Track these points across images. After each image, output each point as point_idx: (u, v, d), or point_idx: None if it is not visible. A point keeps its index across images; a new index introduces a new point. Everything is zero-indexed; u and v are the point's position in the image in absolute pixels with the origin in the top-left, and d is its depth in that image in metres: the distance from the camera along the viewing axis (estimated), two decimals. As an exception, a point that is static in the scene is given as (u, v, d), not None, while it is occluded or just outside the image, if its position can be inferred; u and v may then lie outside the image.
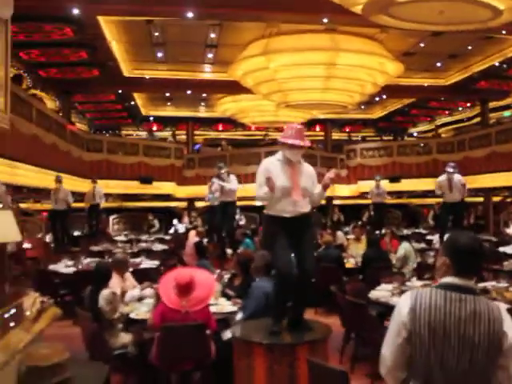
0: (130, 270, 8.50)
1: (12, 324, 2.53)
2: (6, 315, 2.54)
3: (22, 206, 15.46)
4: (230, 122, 24.76)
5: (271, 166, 4.31)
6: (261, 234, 11.03)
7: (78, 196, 14.23)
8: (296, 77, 13.77)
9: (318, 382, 3.23)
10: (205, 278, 4.90)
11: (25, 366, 2.52)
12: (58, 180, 12.31)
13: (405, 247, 9.32)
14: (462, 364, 2.19)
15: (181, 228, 19.00)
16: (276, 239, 4.22)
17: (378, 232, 13.14)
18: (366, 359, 5.69)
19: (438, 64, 16.38)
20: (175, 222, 19.54)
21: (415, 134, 28.87)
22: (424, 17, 9.54)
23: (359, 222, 17.04)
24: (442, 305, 2.23)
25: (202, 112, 23.74)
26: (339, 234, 13.05)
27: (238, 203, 11.68)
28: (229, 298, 5.85)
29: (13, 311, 2.66)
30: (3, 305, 2.58)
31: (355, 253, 10.15)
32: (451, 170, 10.17)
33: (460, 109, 23.96)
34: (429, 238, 13.42)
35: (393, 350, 2.33)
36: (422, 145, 20.51)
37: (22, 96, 11.89)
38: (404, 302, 2.33)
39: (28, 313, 2.72)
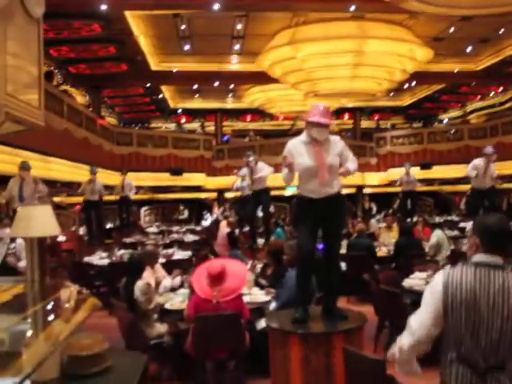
0: (163, 261, 8.67)
1: (53, 315, 2.59)
2: (48, 307, 2.60)
3: (56, 199, 15.73)
4: (258, 113, 24.74)
5: (293, 147, 4.27)
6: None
7: (109, 189, 14.42)
8: (324, 66, 13.68)
9: (354, 370, 3.22)
10: (237, 269, 4.93)
11: (66, 355, 2.59)
12: (93, 172, 12.45)
13: (437, 235, 9.20)
14: (492, 334, 2.35)
15: (211, 219, 19.16)
16: (301, 219, 4.20)
17: (409, 220, 13.01)
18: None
19: (469, 49, 16.05)
20: (205, 213, 19.71)
21: (445, 121, 28.40)
22: (454, 1, 9.35)
23: (390, 211, 16.93)
24: (472, 280, 2.40)
25: (230, 103, 23.76)
26: (373, 222, 12.98)
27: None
28: (262, 287, 5.89)
29: (53, 303, 2.73)
30: (44, 296, 2.65)
31: (387, 241, 10.09)
32: (490, 151, 10.03)
33: (492, 94, 23.46)
34: (461, 225, 13.23)
35: (424, 323, 2.50)
36: (453, 131, 20.19)
37: (54, 92, 12.09)
38: (438, 278, 2.51)
39: (68, 304, 2.78)
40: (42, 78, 3.54)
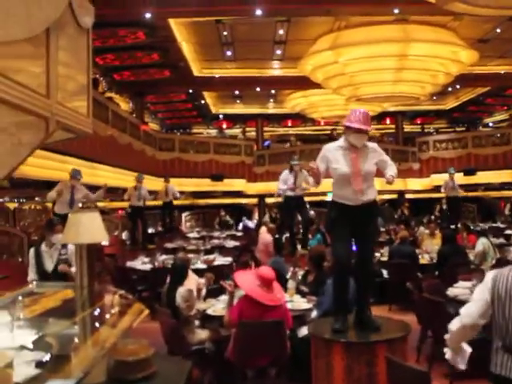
0: (204, 266, 8.74)
1: (101, 320, 2.65)
2: (96, 312, 2.66)
3: (99, 204, 16.06)
4: (299, 118, 24.70)
5: (329, 151, 4.20)
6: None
7: (152, 194, 14.61)
8: (366, 70, 13.58)
9: (397, 381, 3.18)
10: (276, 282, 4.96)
11: (113, 360, 2.63)
12: (140, 179, 12.60)
13: (483, 242, 8.97)
14: None
15: (251, 224, 19.18)
16: (336, 227, 4.15)
17: (453, 227, 12.76)
18: (445, 358, 5.54)
19: (516, 50, 15.64)
20: (244, 218, 19.75)
21: (490, 124, 27.73)
22: (501, 1, 9.13)
23: (432, 217, 16.63)
24: None
25: (271, 108, 23.80)
26: (421, 229, 12.80)
27: (307, 198, 11.61)
28: (303, 295, 5.86)
29: (101, 308, 2.79)
30: (92, 302, 2.71)
31: (430, 248, 9.90)
32: None
33: (540, 97, 22.79)
34: (508, 232, 12.88)
35: (472, 312, 2.85)
36: (498, 135, 19.68)
37: (99, 99, 12.36)
38: (488, 275, 2.87)
39: (114, 309, 2.83)
40: (90, 86, 3.64)
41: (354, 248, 4.41)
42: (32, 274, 6.05)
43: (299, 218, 11.01)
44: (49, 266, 6.15)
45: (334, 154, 4.17)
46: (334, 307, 4.38)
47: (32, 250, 6.38)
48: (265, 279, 4.64)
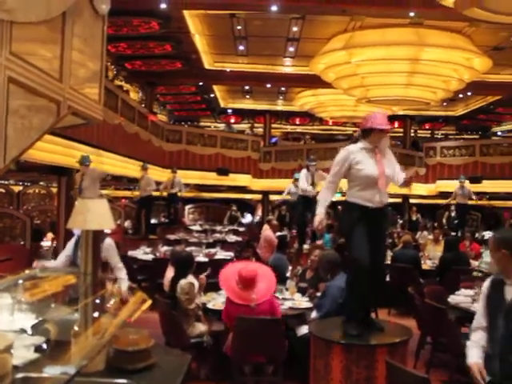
0: (206, 260, 8.74)
1: (103, 308, 2.64)
2: (98, 300, 2.65)
3: (103, 192, 16.07)
4: (307, 116, 24.63)
5: (352, 154, 4.17)
6: (337, 225, 10.88)
7: (157, 185, 14.63)
8: (379, 72, 13.50)
9: (396, 386, 3.17)
10: (264, 269, 5.01)
11: (113, 349, 2.63)
12: (144, 167, 12.70)
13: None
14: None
15: (252, 219, 19.19)
16: (356, 229, 4.11)
17: (458, 234, 12.74)
18: (443, 365, 5.53)
19: (530, 60, 15.51)
20: (246, 214, 19.76)
21: (499, 133, 27.60)
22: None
23: (435, 224, 16.60)
24: None
25: (280, 105, 23.74)
26: (425, 233, 12.80)
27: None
28: (304, 292, 5.85)
29: (103, 296, 2.78)
30: (95, 289, 2.70)
31: (432, 254, 9.88)
32: None
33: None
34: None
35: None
36: (505, 144, 19.57)
37: (109, 87, 12.33)
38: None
39: (117, 298, 2.82)
40: (103, 73, 3.62)
41: None
42: (63, 257, 5.68)
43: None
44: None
45: (358, 156, 4.15)
46: (350, 312, 4.24)
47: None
48: (242, 278, 4.66)
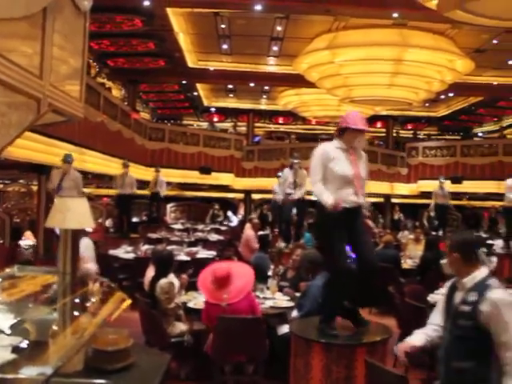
0: (188, 259, 8.71)
1: (82, 308, 2.62)
2: (77, 299, 2.63)
3: (85, 190, 15.94)
4: (291, 115, 24.67)
5: (327, 152, 4.10)
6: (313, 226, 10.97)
7: (140, 183, 14.54)
8: (362, 72, 13.58)
9: (376, 385, 3.19)
10: (242, 269, 4.97)
11: (92, 349, 2.60)
12: (125, 165, 12.56)
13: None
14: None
15: (235, 220, 19.15)
16: (333, 231, 4.05)
17: (439, 233, 12.86)
18: (421, 364, 5.57)
19: (511, 62, 15.71)
20: (229, 213, 19.72)
21: (480, 134, 27.92)
22: (503, 12, 9.13)
23: (417, 223, 16.73)
24: None
25: (263, 104, 23.75)
26: (406, 233, 12.90)
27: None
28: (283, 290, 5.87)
29: (82, 295, 2.75)
30: (74, 289, 2.67)
31: (413, 254, 9.95)
32: None
33: (530, 109, 22.99)
34: (489, 242, 12.96)
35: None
36: (486, 145, 19.79)
37: (91, 84, 12.22)
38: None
39: (96, 297, 2.80)
40: (84, 70, 3.58)
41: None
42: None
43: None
44: None
45: (332, 154, 4.09)
46: (328, 312, 4.23)
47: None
48: (216, 277, 4.67)
